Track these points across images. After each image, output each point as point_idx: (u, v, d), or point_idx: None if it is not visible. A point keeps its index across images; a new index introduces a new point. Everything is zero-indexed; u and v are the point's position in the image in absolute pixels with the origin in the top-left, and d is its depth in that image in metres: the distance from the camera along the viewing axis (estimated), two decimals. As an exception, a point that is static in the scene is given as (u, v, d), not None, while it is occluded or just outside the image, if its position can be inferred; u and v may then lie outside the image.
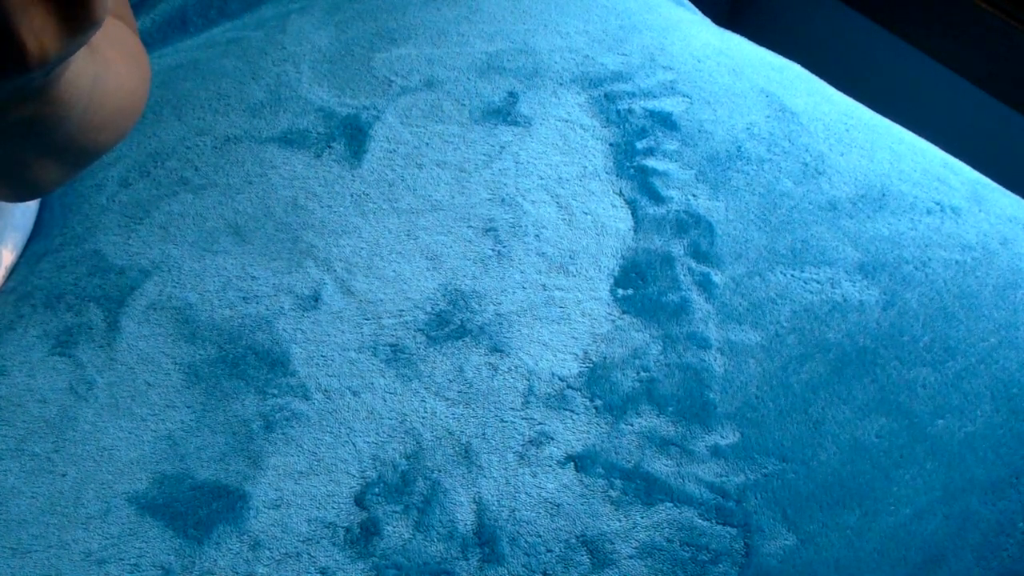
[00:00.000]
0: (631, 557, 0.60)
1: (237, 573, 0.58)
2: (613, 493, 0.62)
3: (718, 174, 0.78)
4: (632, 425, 0.65)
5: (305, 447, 0.63)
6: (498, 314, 0.70)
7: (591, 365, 0.67)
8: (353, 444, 0.63)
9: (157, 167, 0.77)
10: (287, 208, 0.75)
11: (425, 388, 0.66)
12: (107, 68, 0.46)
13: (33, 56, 0.33)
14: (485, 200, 0.76)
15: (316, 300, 0.70)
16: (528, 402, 0.66)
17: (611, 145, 0.80)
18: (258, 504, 0.61)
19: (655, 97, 0.83)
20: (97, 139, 0.49)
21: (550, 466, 0.63)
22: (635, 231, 0.75)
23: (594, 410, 0.65)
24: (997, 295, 0.72)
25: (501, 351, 0.68)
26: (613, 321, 0.70)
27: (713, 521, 0.61)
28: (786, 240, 0.74)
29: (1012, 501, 0.63)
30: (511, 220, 0.75)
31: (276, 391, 0.65)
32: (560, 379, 0.67)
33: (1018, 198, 0.80)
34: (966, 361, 0.68)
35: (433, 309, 0.70)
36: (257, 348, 0.67)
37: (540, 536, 0.60)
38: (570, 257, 0.73)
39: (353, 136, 0.79)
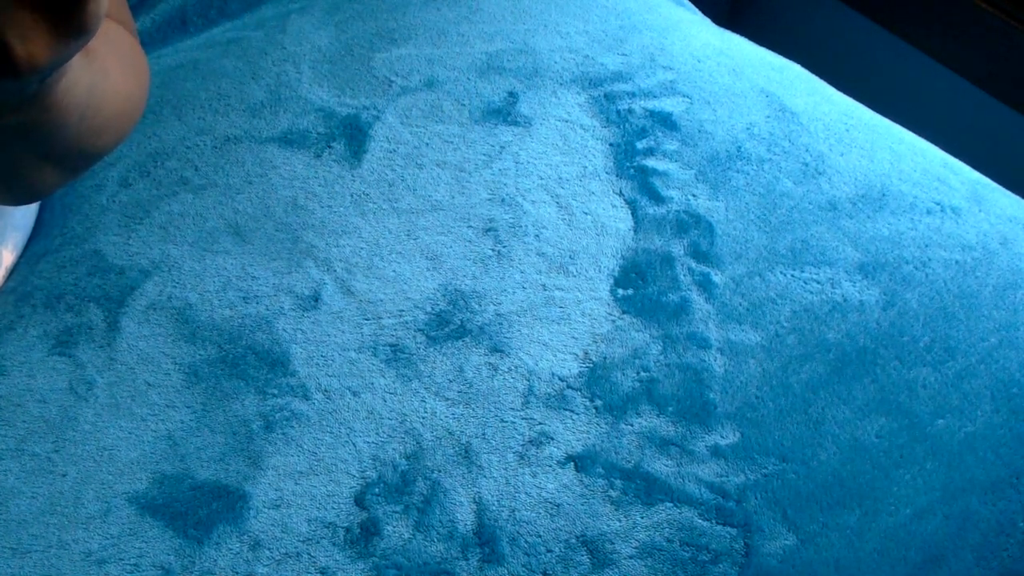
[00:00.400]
0: (631, 557, 0.60)
1: (237, 573, 0.58)
2: (613, 493, 0.62)
3: (718, 174, 0.78)
4: (632, 425, 0.65)
5: (305, 447, 0.63)
6: (498, 314, 0.70)
7: (591, 365, 0.67)
8: (353, 444, 0.63)
9: (157, 167, 0.77)
10: (287, 208, 0.75)
11: (425, 388, 0.66)
12: (104, 73, 0.46)
13: (22, 62, 0.33)
14: (485, 200, 0.76)
15: (316, 300, 0.70)
16: (528, 402, 0.66)
17: (611, 145, 0.80)
18: (258, 504, 0.61)
19: (655, 97, 0.83)
20: (96, 144, 0.49)
21: (550, 466, 0.63)
22: (635, 231, 0.75)
23: (594, 410, 0.65)
24: (997, 295, 0.72)
25: (501, 351, 0.68)
26: (613, 321, 0.70)
27: (713, 521, 0.61)
28: (786, 240, 0.74)
29: (1012, 501, 0.63)
30: (511, 220, 0.75)
31: (276, 391, 0.65)
32: (560, 379, 0.67)
33: (1018, 198, 0.80)
34: (966, 361, 0.68)
35: (433, 309, 0.70)
36: (257, 348, 0.67)
37: (540, 536, 0.60)
38: (570, 257, 0.73)
39: (353, 136, 0.79)
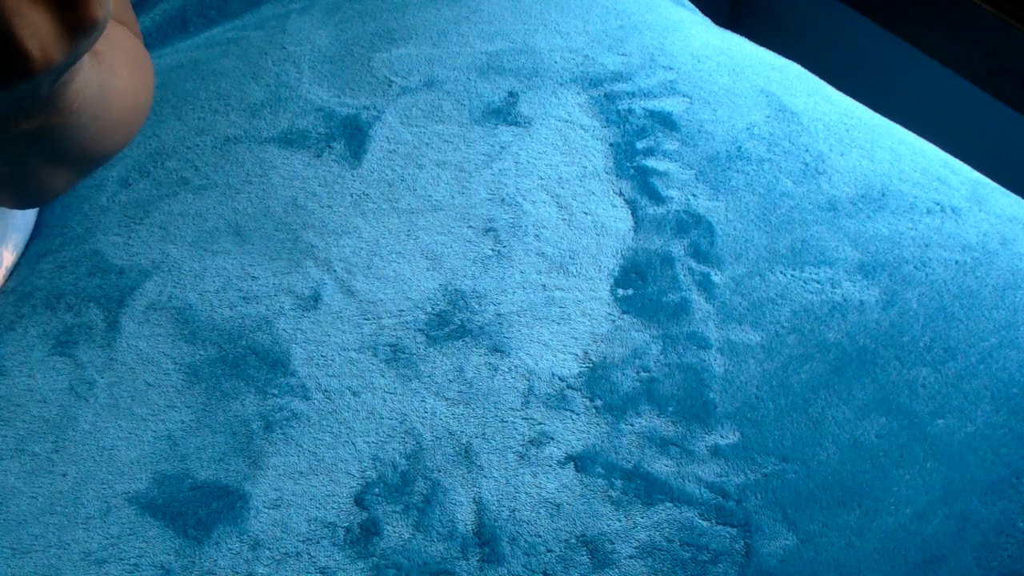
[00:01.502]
0: (631, 557, 0.60)
1: (237, 573, 0.58)
2: (613, 493, 0.62)
3: (718, 174, 0.78)
4: (632, 425, 0.65)
5: (305, 447, 0.63)
6: (498, 314, 0.70)
7: (591, 365, 0.67)
8: (353, 444, 0.63)
9: (157, 167, 0.77)
10: (287, 208, 0.75)
11: (425, 388, 0.66)
12: (112, 74, 0.46)
13: (36, 61, 0.33)
14: (485, 200, 0.76)
15: (316, 300, 0.70)
16: (528, 402, 0.66)
17: (611, 145, 0.80)
18: (258, 504, 0.61)
19: (655, 97, 0.83)
20: (105, 145, 0.49)
21: (550, 466, 0.63)
22: (635, 231, 0.75)
23: (594, 410, 0.66)
24: (997, 295, 0.72)
25: (501, 351, 0.68)
26: (613, 321, 0.70)
27: (713, 521, 0.61)
28: (786, 240, 0.74)
29: (1012, 501, 0.63)
30: (511, 220, 0.75)
31: (276, 391, 0.65)
32: (560, 379, 0.67)
33: (1018, 198, 0.80)
34: (966, 361, 0.68)
35: (433, 309, 0.70)
36: (257, 348, 0.67)
37: (540, 536, 0.60)
38: (570, 257, 0.73)
39: (353, 136, 0.79)
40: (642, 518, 0.61)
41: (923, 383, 0.67)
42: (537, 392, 0.66)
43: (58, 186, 0.50)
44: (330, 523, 0.60)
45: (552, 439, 0.64)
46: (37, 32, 0.32)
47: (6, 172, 0.46)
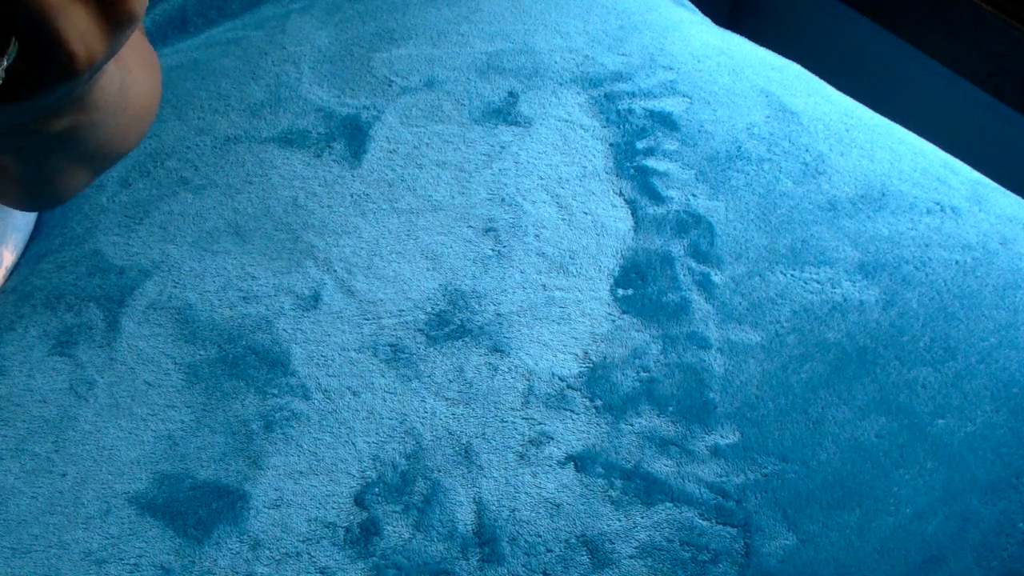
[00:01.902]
0: (631, 557, 0.60)
1: (237, 573, 0.58)
2: (613, 493, 0.62)
3: (718, 174, 0.78)
4: (632, 425, 0.65)
5: (305, 447, 0.63)
6: (498, 314, 0.70)
7: (591, 365, 0.67)
8: (353, 444, 0.63)
9: (157, 167, 0.77)
10: (287, 208, 0.75)
11: (425, 388, 0.66)
12: (128, 70, 0.46)
13: (81, 60, 0.33)
14: (485, 200, 0.76)
15: (316, 300, 0.70)
16: (528, 402, 0.66)
17: (611, 145, 0.80)
18: (258, 504, 0.61)
19: (655, 97, 0.83)
20: (123, 143, 0.49)
21: (550, 466, 0.63)
22: (635, 231, 0.75)
23: (594, 410, 0.66)
24: (997, 295, 0.72)
25: (501, 351, 0.68)
26: (613, 321, 0.70)
27: (713, 521, 0.61)
28: (786, 240, 0.74)
29: (1012, 501, 0.63)
30: (511, 220, 0.75)
31: (276, 391, 0.65)
32: (560, 379, 0.67)
33: (1018, 198, 0.80)
34: (966, 361, 0.68)
35: (433, 309, 0.70)
36: (257, 348, 0.67)
37: (540, 536, 0.60)
38: (570, 257, 0.73)
39: (353, 136, 0.79)
40: (642, 518, 0.61)
41: (923, 383, 0.67)
42: (537, 392, 0.66)
43: (76, 186, 0.50)
44: (330, 523, 0.60)
45: (552, 439, 0.64)
46: (81, 30, 0.32)
47: (27, 173, 0.46)
